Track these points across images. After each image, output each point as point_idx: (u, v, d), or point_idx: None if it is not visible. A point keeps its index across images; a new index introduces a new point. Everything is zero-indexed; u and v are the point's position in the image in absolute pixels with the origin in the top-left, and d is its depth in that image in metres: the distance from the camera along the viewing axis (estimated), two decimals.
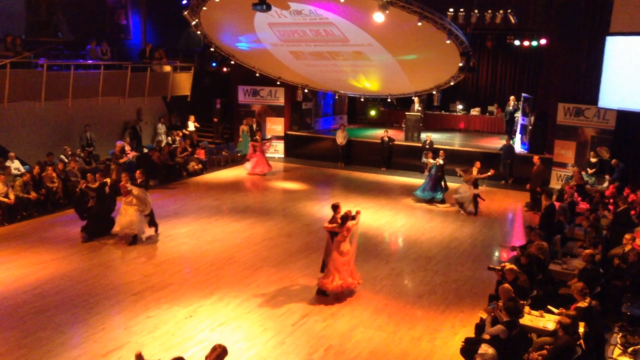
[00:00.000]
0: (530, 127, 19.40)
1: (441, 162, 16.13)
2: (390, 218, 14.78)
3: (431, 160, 16.51)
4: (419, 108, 21.29)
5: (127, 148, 18.10)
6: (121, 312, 9.06)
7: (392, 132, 21.02)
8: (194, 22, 18.03)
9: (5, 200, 13.23)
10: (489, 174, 15.73)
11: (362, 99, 23.07)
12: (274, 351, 8.01)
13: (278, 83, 21.33)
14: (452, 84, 18.40)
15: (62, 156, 16.05)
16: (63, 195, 14.66)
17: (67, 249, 11.78)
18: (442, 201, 16.13)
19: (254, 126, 21.87)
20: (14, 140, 16.02)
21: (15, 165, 14.87)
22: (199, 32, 19.01)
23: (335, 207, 9.89)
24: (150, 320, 8.77)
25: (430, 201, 16.14)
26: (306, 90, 21.64)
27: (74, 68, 16.90)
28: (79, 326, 8.57)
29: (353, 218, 9.73)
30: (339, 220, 9.60)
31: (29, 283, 10.03)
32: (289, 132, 22.54)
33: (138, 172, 12.91)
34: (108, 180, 12.98)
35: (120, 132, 19.37)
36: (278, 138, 22.51)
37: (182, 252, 11.86)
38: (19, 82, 15.34)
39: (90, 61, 17.88)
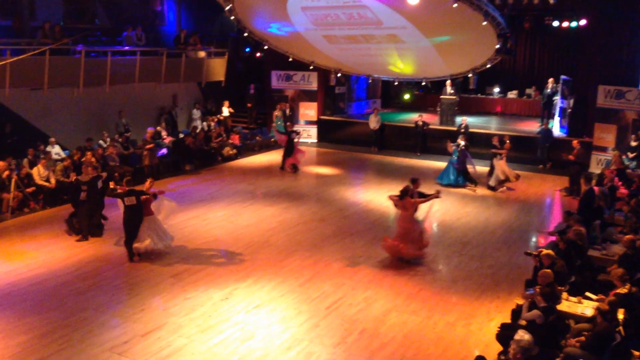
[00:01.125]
0: (569, 110, 18.93)
1: (462, 144, 15.93)
2: (424, 203, 14.63)
3: (454, 144, 16.20)
4: (452, 91, 20.98)
5: (164, 133, 18.38)
6: (159, 293, 9.26)
7: (426, 116, 20.80)
8: (227, 7, 18.09)
9: (47, 184, 13.60)
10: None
11: (396, 83, 22.83)
12: (308, 334, 8.08)
13: (311, 67, 21.27)
14: (488, 66, 18.08)
15: (101, 141, 16.39)
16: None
17: (106, 231, 12.04)
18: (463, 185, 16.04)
19: (287, 111, 21.90)
20: (54, 125, 16.42)
21: (55, 150, 15.25)
22: (232, 18, 19.08)
23: (414, 181, 10.99)
24: (187, 301, 8.94)
25: (456, 185, 15.98)
26: (339, 75, 21.54)
27: (110, 54, 17.16)
28: (119, 307, 8.79)
29: (412, 196, 10.58)
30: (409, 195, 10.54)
31: (70, 265, 10.32)
32: (322, 117, 22.52)
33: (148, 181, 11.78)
34: (103, 174, 12.45)
35: (156, 118, 19.65)
36: (311, 123, 22.52)
37: (218, 236, 12.02)
38: (57, 69, 15.65)
39: (126, 47, 18.13)
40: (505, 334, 7.32)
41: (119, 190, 10.64)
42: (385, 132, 21.14)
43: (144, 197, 10.44)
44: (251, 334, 8.04)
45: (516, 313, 7.91)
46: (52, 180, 13.70)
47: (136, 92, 18.47)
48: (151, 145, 16.59)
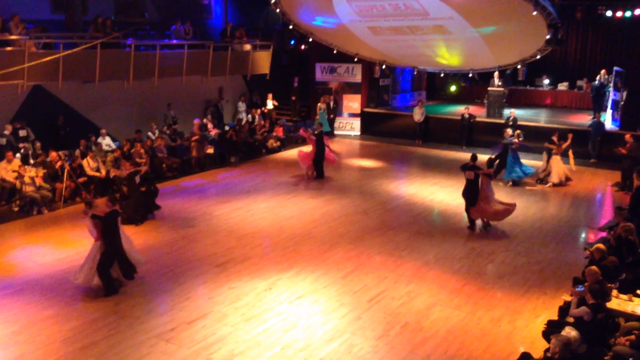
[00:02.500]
0: (622, 103, 18.25)
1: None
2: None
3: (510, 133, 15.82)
4: (499, 83, 20.54)
5: (210, 126, 18.66)
6: (205, 282, 9.44)
7: (473, 109, 20.45)
8: (273, 1, 18.17)
9: (97, 174, 14.03)
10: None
11: (442, 75, 22.52)
12: (350, 326, 8.10)
13: (355, 60, 21.19)
14: (538, 57, 17.60)
15: (150, 133, 16.76)
16: (151, 171, 15.32)
17: (154, 221, 12.36)
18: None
19: (331, 104, 21.92)
20: (105, 117, 16.89)
21: (106, 142, 15.70)
22: (278, 10, 19.16)
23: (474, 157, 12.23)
24: (232, 291, 9.09)
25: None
26: (384, 67, 21.38)
27: (159, 48, 17.49)
28: (166, 295, 9.01)
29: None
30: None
31: None
32: (366, 110, 22.42)
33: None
34: (142, 168, 12.52)
35: (203, 110, 19.96)
36: (354, 115, 22.46)
37: (262, 227, 12.16)
38: (108, 62, 16.05)
39: (174, 41, 18.46)
40: (552, 331, 7.17)
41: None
42: (430, 124, 20.89)
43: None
44: (294, 324, 8.11)
45: (563, 310, 7.73)
46: (103, 171, 14.12)
47: (183, 85, 18.79)
48: (197, 137, 16.88)
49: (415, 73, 23.85)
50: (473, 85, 24.87)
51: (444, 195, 14.61)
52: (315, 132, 16.05)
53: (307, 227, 12.11)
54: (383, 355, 7.38)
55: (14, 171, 12.75)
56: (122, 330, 7.91)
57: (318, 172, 15.90)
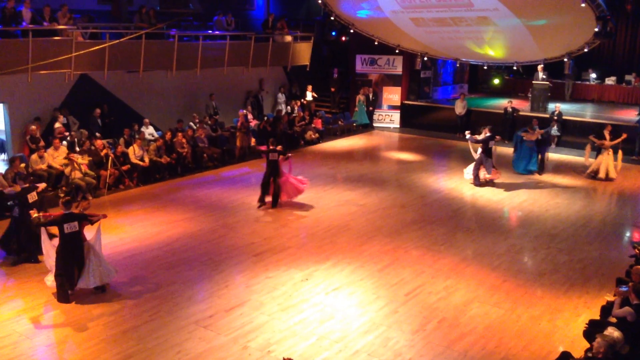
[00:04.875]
0: None
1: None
2: (511, 192, 14.20)
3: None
4: (544, 77, 20.04)
5: (250, 117, 18.82)
6: (243, 271, 9.56)
7: (516, 102, 20.03)
8: None
9: (141, 163, 14.33)
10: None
11: (485, 67, 22.14)
12: (386, 319, 8.08)
13: (397, 51, 21.00)
14: (585, 50, 17.10)
15: (191, 123, 17.01)
16: (192, 160, 15.61)
17: (195, 210, 12.56)
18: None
19: (371, 96, 21.81)
20: (148, 107, 17.21)
21: (149, 131, 16.00)
22: (319, 1, 19.12)
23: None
24: (269, 280, 9.18)
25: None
26: (425, 58, 21.14)
27: (202, 39, 17.69)
28: (205, 282, 9.17)
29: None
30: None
31: (160, 240, 10.86)
32: (406, 102, 22.21)
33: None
34: (41, 185, 10.77)
35: (243, 101, 20.13)
36: (394, 108, 22.29)
37: (299, 218, 12.22)
38: (152, 52, 16.32)
39: (217, 32, 18.63)
40: (593, 331, 6.99)
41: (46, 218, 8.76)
42: (472, 117, 20.55)
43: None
44: (330, 315, 8.15)
45: (606, 310, 7.54)
46: (146, 159, 14.41)
47: (225, 76, 18.96)
48: (239, 125, 17.06)
49: (458, 65, 23.48)
50: (517, 78, 24.34)
51: (484, 190, 14.38)
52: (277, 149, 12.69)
53: (344, 219, 12.11)
54: (419, 350, 7.35)
55: (64, 158, 13.13)
56: (161, 315, 8.08)
57: (262, 198, 12.71)
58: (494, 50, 19.52)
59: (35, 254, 9.62)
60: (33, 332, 7.66)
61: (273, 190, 12.63)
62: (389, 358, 7.17)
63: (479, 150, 14.55)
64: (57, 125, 14.41)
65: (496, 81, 24.89)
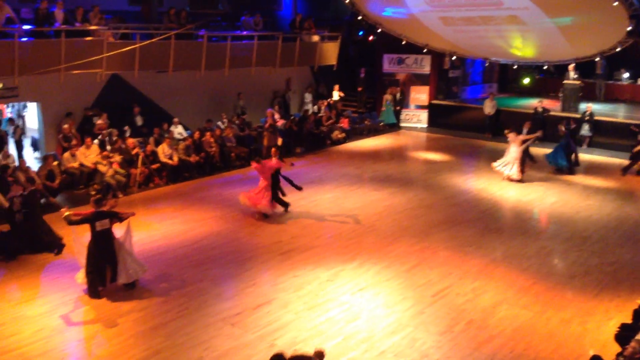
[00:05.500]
0: None
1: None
2: (541, 194, 13.98)
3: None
4: (575, 76, 19.68)
5: (277, 116, 18.88)
6: (269, 269, 9.61)
7: (547, 102, 19.74)
8: None
9: (170, 162, 14.51)
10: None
11: (515, 66, 21.81)
12: (413, 320, 8.04)
13: (425, 51, 20.86)
14: (618, 49, 16.74)
15: (219, 123, 17.16)
16: (220, 159, 15.75)
17: (223, 208, 12.66)
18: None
19: (398, 95, 21.71)
20: (177, 106, 17.42)
21: (178, 130, 16.19)
22: (347, 1, 19.10)
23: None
24: (296, 279, 9.21)
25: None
26: (454, 58, 20.95)
27: (230, 39, 17.83)
28: (232, 280, 9.24)
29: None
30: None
31: (189, 238, 10.98)
32: (434, 102, 22.05)
33: None
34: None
35: (270, 101, 20.23)
36: (421, 107, 22.15)
37: (325, 217, 12.21)
38: (181, 53, 16.52)
39: (244, 32, 18.76)
40: (625, 335, 6.85)
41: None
42: (501, 117, 20.28)
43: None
44: (356, 315, 8.13)
45: (638, 313, 7.36)
46: (175, 158, 14.58)
47: (252, 76, 19.08)
48: (267, 125, 17.12)
49: (487, 64, 23.25)
50: (548, 77, 23.95)
51: (514, 191, 14.20)
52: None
53: (371, 219, 12.07)
54: (446, 351, 7.29)
55: (104, 157, 13.38)
56: (190, 312, 8.17)
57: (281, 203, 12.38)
58: (524, 50, 19.25)
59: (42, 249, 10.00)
60: (64, 327, 7.81)
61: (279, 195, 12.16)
62: (415, 359, 7.13)
63: (514, 148, 14.51)
64: (99, 121, 14.80)
65: (526, 80, 24.53)
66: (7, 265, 9.60)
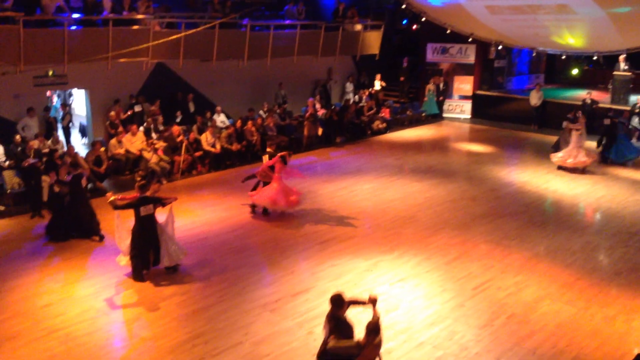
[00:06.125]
0: None
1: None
2: (588, 187, 13.60)
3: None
4: (625, 67, 18.98)
5: (318, 106, 18.90)
6: (308, 258, 9.66)
7: (595, 94, 19.12)
8: None
9: (213, 150, 14.70)
10: None
11: (564, 57, 21.17)
12: (452, 312, 7.96)
13: (470, 40, 20.47)
14: None
15: (261, 111, 17.28)
16: (261, 148, 15.85)
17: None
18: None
19: (441, 85, 21.40)
20: (220, 95, 17.63)
21: (221, 119, 16.39)
22: None
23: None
24: (334, 268, 9.23)
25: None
26: (500, 47, 20.50)
27: (273, 28, 17.88)
28: (271, 267, 9.33)
29: None
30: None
31: (230, 225, 11.13)
32: (478, 92, 21.66)
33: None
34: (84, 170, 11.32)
35: (311, 90, 20.24)
36: (465, 98, 21.79)
37: (364, 208, 12.19)
38: (225, 42, 16.65)
39: (287, 21, 18.78)
40: None
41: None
42: (548, 109, 19.79)
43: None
44: (395, 306, 8.11)
45: None
46: (218, 146, 14.77)
47: (294, 65, 19.12)
48: (307, 114, 17.17)
49: (534, 54, 22.65)
50: (597, 68, 23.18)
51: (559, 184, 13.86)
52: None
53: (411, 211, 11.98)
54: (486, 345, 7.20)
55: (149, 144, 13.68)
56: (230, 297, 8.30)
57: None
58: (573, 39, 18.66)
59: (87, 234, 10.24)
60: (109, 308, 8.05)
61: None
62: (455, 351, 7.07)
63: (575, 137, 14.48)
64: (152, 107, 15.21)
65: (575, 71, 23.85)
66: (55, 247, 9.93)
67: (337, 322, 5.42)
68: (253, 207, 11.74)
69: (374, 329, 5.26)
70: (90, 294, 8.38)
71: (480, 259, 9.66)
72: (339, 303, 5.47)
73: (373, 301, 5.62)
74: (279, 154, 11.39)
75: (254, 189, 11.78)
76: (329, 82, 20.76)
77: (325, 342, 5.43)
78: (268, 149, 11.81)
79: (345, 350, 5.31)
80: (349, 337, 5.37)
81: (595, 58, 19.87)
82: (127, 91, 15.59)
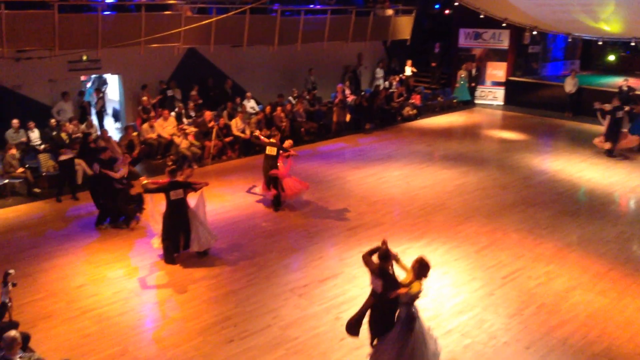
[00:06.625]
0: None
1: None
2: (623, 177, 13.29)
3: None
4: None
5: (347, 92, 18.80)
6: (336, 244, 9.69)
7: (633, 81, 18.59)
8: None
9: (242, 135, 14.79)
10: None
11: (600, 43, 20.63)
12: (481, 301, 7.90)
13: (503, 25, 20.06)
14: None
15: (290, 97, 17.28)
16: (290, 134, 15.88)
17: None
18: None
19: (473, 71, 21.07)
20: (250, 81, 17.67)
21: (251, 105, 16.45)
22: None
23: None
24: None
25: None
26: (534, 33, 20.04)
27: (303, 13, 17.80)
28: (299, 252, 9.39)
29: None
30: None
31: (259, 210, 11.22)
32: (511, 78, 21.26)
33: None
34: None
35: (340, 76, 20.13)
36: (498, 84, 21.42)
37: (393, 195, 12.14)
38: (256, 27, 16.64)
39: (318, 6, 18.67)
40: None
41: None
42: (583, 96, 19.32)
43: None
44: (423, 293, 8.04)
45: None
46: (247, 132, 14.84)
47: (324, 51, 19.02)
48: (337, 100, 17.10)
49: (570, 40, 22.12)
50: (635, 55, 22.56)
51: (593, 173, 13.58)
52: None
53: (441, 198, 11.89)
54: (515, 334, 7.14)
55: (179, 129, 13.83)
56: (259, 281, 8.39)
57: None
58: (610, 25, 18.12)
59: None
60: (141, 289, 8.22)
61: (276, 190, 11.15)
62: (483, 340, 7.03)
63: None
64: (193, 92, 15.47)
65: (611, 58, 23.23)
66: (89, 230, 10.14)
67: (386, 275, 6.04)
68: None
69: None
70: (122, 276, 8.56)
71: (510, 248, 9.55)
72: (387, 257, 6.11)
73: (394, 257, 6.31)
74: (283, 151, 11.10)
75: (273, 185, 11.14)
76: (359, 67, 20.61)
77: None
78: (272, 139, 11.24)
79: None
80: (396, 287, 5.97)
81: (632, 44, 19.30)
82: (159, 77, 15.76)
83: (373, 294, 6.18)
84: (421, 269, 6.08)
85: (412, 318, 6.02)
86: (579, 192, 12.51)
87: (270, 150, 11.02)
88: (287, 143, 11.37)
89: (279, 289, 8.18)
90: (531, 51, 21.41)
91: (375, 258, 6.18)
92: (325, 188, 12.47)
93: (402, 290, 5.89)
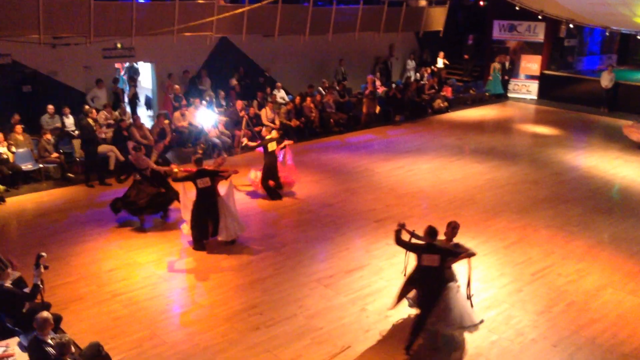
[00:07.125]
0: None
1: None
2: None
3: None
4: None
5: (378, 83, 18.69)
6: (363, 236, 9.68)
7: None
8: None
9: (272, 125, 14.79)
10: None
11: (639, 37, 20.07)
12: (510, 297, 7.82)
13: (539, 17, 19.65)
14: None
15: (320, 88, 17.25)
16: (319, 125, 15.90)
17: (320, 173, 12.84)
18: None
19: (507, 64, 20.73)
20: (281, 71, 17.69)
21: (280, 95, 16.48)
22: None
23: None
24: (389, 247, 9.16)
25: None
26: (571, 26, 19.60)
27: (336, 3, 17.72)
28: (326, 243, 9.41)
29: None
30: None
31: (286, 200, 11.25)
32: (546, 72, 20.85)
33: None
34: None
35: (371, 67, 20.01)
36: (532, 78, 21.04)
37: (422, 187, 12.06)
38: (288, 17, 16.63)
39: None
40: None
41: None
42: (619, 91, 18.88)
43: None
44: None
45: None
46: (277, 122, 14.88)
47: (355, 41, 18.91)
48: (367, 92, 17.02)
49: (607, 34, 21.57)
50: None
51: (628, 170, 13.27)
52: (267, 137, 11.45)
53: (470, 192, 11.76)
54: (543, 331, 7.04)
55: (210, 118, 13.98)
56: (286, 270, 8.44)
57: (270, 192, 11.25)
58: None
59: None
60: (170, 275, 8.35)
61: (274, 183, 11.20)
62: (510, 336, 6.96)
63: None
64: (234, 82, 15.69)
65: None
66: (121, 215, 10.29)
67: (440, 249, 6.74)
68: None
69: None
70: (152, 261, 8.70)
71: (540, 245, 9.41)
72: (434, 234, 6.71)
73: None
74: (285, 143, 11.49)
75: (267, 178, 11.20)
76: (390, 58, 20.46)
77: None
78: (274, 135, 11.42)
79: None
80: (455, 254, 6.79)
81: None
82: (191, 65, 15.89)
83: (425, 270, 6.65)
84: (454, 230, 7.08)
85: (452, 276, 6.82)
86: (613, 190, 12.24)
87: (273, 147, 11.23)
88: (276, 134, 11.60)
89: (306, 278, 8.22)
90: (567, 44, 20.96)
91: (419, 239, 6.91)
92: (353, 179, 12.45)
93: (469, 251, 6.75)
